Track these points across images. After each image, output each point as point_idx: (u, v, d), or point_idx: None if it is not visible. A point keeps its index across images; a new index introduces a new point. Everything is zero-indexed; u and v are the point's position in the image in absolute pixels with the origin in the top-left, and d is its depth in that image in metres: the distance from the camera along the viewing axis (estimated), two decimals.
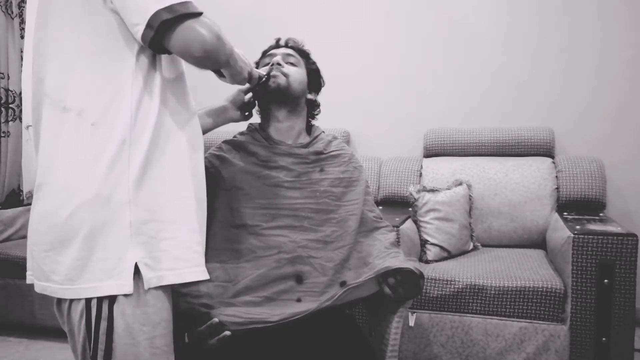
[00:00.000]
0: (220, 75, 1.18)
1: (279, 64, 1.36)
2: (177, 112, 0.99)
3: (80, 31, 0.91)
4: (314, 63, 1.47)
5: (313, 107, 1.48)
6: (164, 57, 0.98)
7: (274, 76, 1.34)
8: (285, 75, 1.34)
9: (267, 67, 1.36)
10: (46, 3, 0.94)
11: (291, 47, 1.44)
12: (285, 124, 1.39)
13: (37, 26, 0.98)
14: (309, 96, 1.44)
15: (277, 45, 1.46)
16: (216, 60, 0.97)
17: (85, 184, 0.90)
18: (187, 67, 1.05)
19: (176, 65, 1.02)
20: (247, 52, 1.49)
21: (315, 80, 1.46)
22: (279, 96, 1.35)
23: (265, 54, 1.46)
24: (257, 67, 1.44)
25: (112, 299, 0.90)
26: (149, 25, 0.87)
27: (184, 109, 1.02)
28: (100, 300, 0.90)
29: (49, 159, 0.93)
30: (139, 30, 0.88)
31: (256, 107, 1.46)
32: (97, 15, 0.90)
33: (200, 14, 0.91)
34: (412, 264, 1.18)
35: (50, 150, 0.93)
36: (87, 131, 0.90)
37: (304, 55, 1.45)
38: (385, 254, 1.26)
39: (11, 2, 2.96)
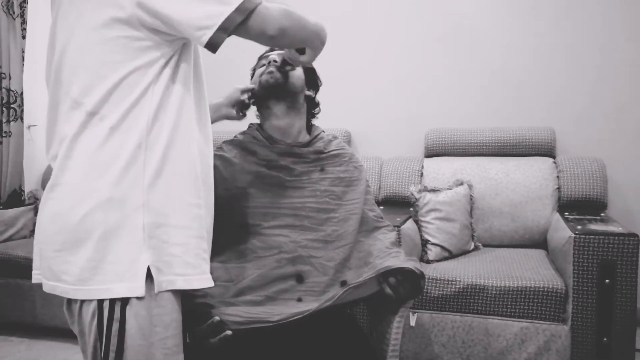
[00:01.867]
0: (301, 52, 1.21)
1: (275, 60, 1.36)
2: (193, 119, 1.00)
3: (108, 40, 0.92)
4: None
5: (313, 106, 1.48)
6: (189, 66, 1.00)
7: (270, 72, 1.35)
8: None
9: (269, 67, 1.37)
10: (71, 5, 0.95)
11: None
12: (285, 121, 1.38)
13: (58, 28, 0.98)
14: (308, 93, 1.44)
15: (271, 48, 1.45)
16: (294, 38, 1.04)
17: (100, 186, 0.90)
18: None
19: (198, 74, 1.04)
20: (249, 55, 1.50)
21: (312, 78, 1.47)
22: (277, 91, 1.35)
23: (261, 58, 1.47)
24: (253, 73, 1.46)
25: (124, 301, 0.91)
26: (221, 29, 0.91)
27: (200, 115, 1.04)
28: (112, 301, 0.91)
29: (64, 160, 0.94)
30: (205, 33, 0.91)
31: (255, 110, 1.47)
32: (128, 26, 0.91)
33: (260, 2, 0.96)
34: (412, 264, 1.18)
35: (66, 151, 0.93)
36: (105, 134, 0.92)
37: None
38: (385, 253, 1.26)
39: (12, 3, 2.97)
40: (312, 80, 1.47)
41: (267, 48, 1.47)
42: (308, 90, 1.45)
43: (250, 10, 0.93)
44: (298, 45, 1.16)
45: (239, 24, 0.93)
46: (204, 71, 1.07)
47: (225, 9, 0.92)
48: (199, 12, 0.91)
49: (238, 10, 0.92)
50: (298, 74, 1.39)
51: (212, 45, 0.93)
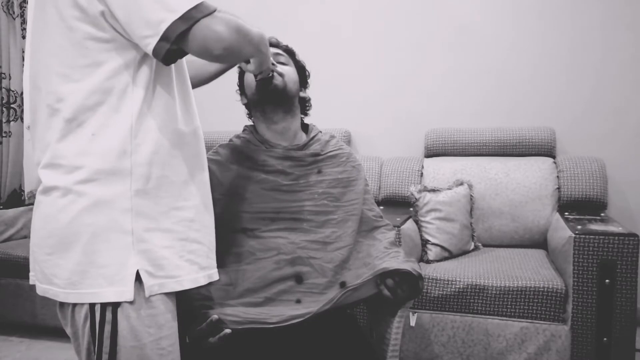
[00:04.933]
0: (246, 62, 1.15)
1: (272, 63, 1.33)
2: (179, 122, 0.99)
3: (76, 43, 0.90)
4: (299, 59, 1.43)
5: (305, 105, 1.45)
6: (167, 68, 0.97)
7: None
8: (281, 75, 1.31)
9: None
10: (42, 10, 0.93)
11: (276, 46, 1.40)
12: (281, 125, 1.36)
13: (34, 31, 0.97)
14: (301, 94, 1.42)
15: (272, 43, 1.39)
16: (240, 54, 0.97)
17: (88, 190, 0.90)
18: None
19: (180, 75, 1.01)
20: None
21: (303, 76, 1.43)
22: (276, 97, 1.32)
23: None
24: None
25: (115, 304, 0.90)
26: (164, 38, 0.86)
27: (188, 117, 1.02)
28: (103, 304, 0.90)
29: (48, 167, 0.93)
30: (149, 42, 0.86)
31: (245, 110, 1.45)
32: (93, 27, 0.89)
33: (214, 11, 0.89)
34: (410, 265, 1.18)
35: (49, 159, 0.93)
36: (88, 140, 0.90)
37: (290, 52, 1.42)
38: (384, 254, 1.26)
39: (12, 3, 2.97)
40: (304, 79, 1.43)
41: None
42: (301, 90, 1.41)
43: (196, 19, 0.86)
44: (242, 61, 1.10)
45: (181, 34, 0.86)
46: (187, 72, 1.04)
47: (169, 16, 0.85)
48: (146, 17, 0.85)
49: (183, 18, 0.85)
50: (294, 78, 1.36)
51: (158, 56, 0.88)
